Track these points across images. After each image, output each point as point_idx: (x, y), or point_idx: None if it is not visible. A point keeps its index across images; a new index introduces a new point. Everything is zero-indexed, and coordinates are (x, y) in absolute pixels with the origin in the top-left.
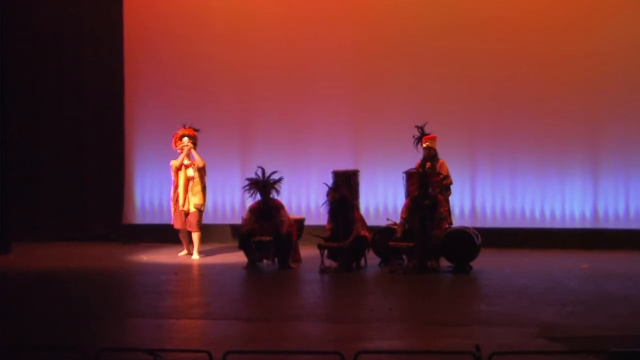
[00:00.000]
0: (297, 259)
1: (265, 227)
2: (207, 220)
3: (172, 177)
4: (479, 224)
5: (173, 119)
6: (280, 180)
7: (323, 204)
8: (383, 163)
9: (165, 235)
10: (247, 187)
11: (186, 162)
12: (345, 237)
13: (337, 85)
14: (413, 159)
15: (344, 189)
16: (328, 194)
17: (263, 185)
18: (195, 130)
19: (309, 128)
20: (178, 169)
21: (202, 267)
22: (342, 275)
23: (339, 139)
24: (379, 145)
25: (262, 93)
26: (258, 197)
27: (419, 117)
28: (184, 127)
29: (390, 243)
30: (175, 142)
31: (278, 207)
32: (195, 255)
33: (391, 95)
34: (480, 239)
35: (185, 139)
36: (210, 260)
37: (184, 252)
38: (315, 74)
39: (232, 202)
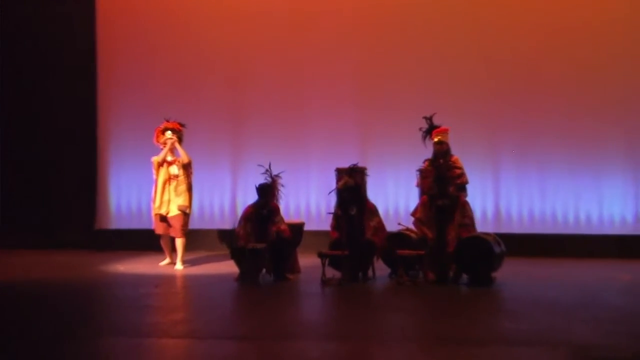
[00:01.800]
0: (296, 269)
1: (260, 233)
2: (193, 224)
3: (154, 176)
4: (504, 229)
5: (153, 113)
6: (278, 180)
7: (330, 192)
8: (393, 161)
9: (145, 241)
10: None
11: (169, 158)
12: (354, 239)
13: (339, 75)
14: (426, 155)
15: (360, 177)
16: (338, 181)
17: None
18: (181, 125)
19: (308, 122)
20: (160, 165)
21: (187, 279)
22: (346, 287)
23: (342, 134)
24: (388, 141)
25: (254, 84)
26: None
27: (432, 110)
28: (168, 120)
29: (399, 251)
30: (157, 137)
31: (274, 210)
32: (179, 265)
33: (400, 85)
34: (503, 246)
35: (169, 132)
36: (196, 270)
37: (166, 261)
38: (314, 61)
39: (221, 204)
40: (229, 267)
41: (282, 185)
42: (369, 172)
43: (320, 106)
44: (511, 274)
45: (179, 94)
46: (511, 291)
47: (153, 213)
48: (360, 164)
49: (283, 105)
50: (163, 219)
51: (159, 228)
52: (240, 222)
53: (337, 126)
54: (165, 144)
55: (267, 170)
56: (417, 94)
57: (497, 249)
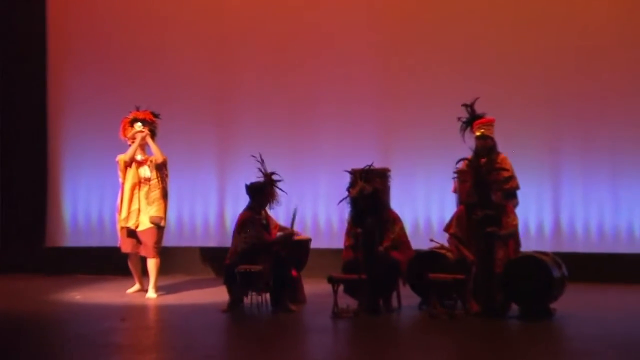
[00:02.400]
0: (300, 298)
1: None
2: (169, 241)
3: (120, 179)
4: (565, 248)
5: (118, 102)
6: (277, 181)
7: (341, 201)
8: (423, 160)
9: (108, 263)
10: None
11: (139, 156)
12: (374, 259)
13: (353, 54)
14: (466, 153)
15: (379, 181)
16: (352, 187)
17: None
18: (155, 115)
19: (315, 110)
20: (128, 165)
21: (162, 310)
22: (364, 320)
23: (358, 126)
24: (416, 135)
25: (247, 66)
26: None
27: (473, 96)
28: (137, 110)
29: (432, 275)
30: (125, 130)
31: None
32: (152, 293)
33: (432, 64)
34: (564, 269)
35: (139, 124)
36: (173, 299)
37: (136, 287)
38: (325, 42)
39: (205, 216)
40: (215, 295)
41: (280, 188)
42: (392, 174)
43: (330, 91)
44: (575, 305)
45: (151, 77)
46: (575, 327)
47: (119, 226)
48: (381, 165)
49: (283, 91)
50: (131, 233)
51: (126, 245)
52: (236, 232)
53: (351, 116)
54: (134, 138)
55: (260, 162)
56: (455, 75)
57: (556, 273)
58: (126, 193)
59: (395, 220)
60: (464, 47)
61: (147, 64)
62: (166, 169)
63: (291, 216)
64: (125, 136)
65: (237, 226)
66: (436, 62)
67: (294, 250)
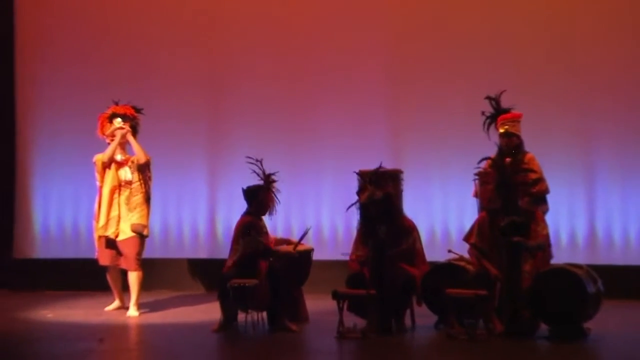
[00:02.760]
0: (301, 316)
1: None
2: (152, 252)
3: (97, 182)
4: (601, 260)
5: (94, 97)
6: (274, 181)
7: (349, 207)
8: (440, 160)
9: (84, 276)
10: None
11: (119, 156)
12: (385, 273)
13: (362, 43)
14: (489, 152)
15: (391, 185)
16: (360, 192)
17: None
18: (137, 110)
19: (318, 105)
20: (106, 166)
21: (144, 330)
22: (373, 341)
23: (367, 123)
24: (432, 132)
25: (241, 56)
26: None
27: (498, 88)
28: (117, 104)
29: (450, 291)
30: (103, 127)
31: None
32: (133, 311)
33: (452, 52)
34: (600, 284)
35: (119, 120)
36: (158, 318)
37: (115, 303)
38: (329, 35)
39: (193, 224)
40: (205, 313)
41: (274, 193)
42: (404, 176)
43: (334, 85)
44: (613, 324)
45: (132, 73)
46: (613, 349)
47: (96, 236)
48: (392, 166)
49: (282, 86)
50: (110, 243)
51: (104, 257)
52: (235, 238)
53: (358, 112)
54: (113, 136)
55: (256, 163)
56: (478, 65)
57: (591, 288)
58: (104, 198)
59: (410, 229)
60: (487, 33)
61: (126, 58)
62: (149, 171)
63: (302, 234)
64: (103, 134)
65: (237, 231)
66: (455, 49)
67: (292, 262)
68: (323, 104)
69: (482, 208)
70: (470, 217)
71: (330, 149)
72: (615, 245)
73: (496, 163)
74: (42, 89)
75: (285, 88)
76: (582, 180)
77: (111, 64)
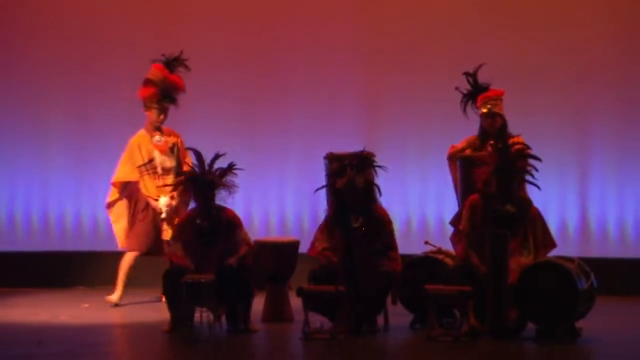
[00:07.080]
0: (286, 315)
1: (206, 258)
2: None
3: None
4: (594, 253)
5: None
6: (232, 168)
7: (319, 189)
8: (415, 142)
9: (22, 271)
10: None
11: (157, 139)
12: (357, 267)
13: (329, 18)
14: (468, 132)
15: (372, 172)
16: (339, 176)
17: (206, 180)
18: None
19: (282, 83)
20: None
21: (86, 331)
22: (342, 344)
23: (338, 101)
24: (407, 112)
25: (199, 39)
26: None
27: (476, 63)
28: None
29: (428, 287)
30: (148, 94)
31: (232, 223)
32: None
33: (426, 29)
34: (593, 279)
35: (157, 138)
36: (105, 317)
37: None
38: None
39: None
40: (156, 312)
41: (234, 185)
42: (378, 160)
43: (298, 54)
44: (607, 323)
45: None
46: (606, 349)
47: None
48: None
49: (242, 62)
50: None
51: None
52: (172, 238)
53: (323, 86)
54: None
55: (197, 155)
56: (458, 37)
57: (583, 284)
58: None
59: (385, 221)
60: (468, 5)
61: (83, 40)
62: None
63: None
64: (145, 98)
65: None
66: (434, 19)
67: (279, 254)
68: (287, 82)
69: (466, 192)
70: (450, 204)
71: (293, 130)
72: (609, 237)
73: (498, 145)
74: None
75: (246, 66)
76: (574, 167)
77: (65, 43)
